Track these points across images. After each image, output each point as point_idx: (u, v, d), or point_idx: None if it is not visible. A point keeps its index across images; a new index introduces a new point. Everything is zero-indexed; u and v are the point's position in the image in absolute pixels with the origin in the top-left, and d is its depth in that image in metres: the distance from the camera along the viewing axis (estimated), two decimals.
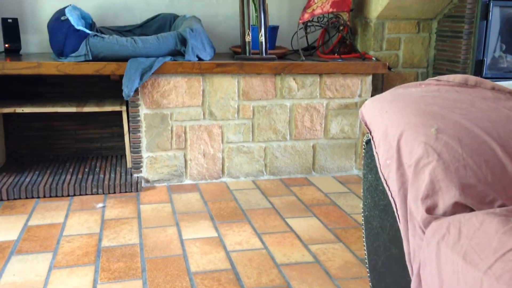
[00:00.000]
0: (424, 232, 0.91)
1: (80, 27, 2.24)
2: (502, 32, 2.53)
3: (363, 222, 1.22)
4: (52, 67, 2.21)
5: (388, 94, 1.14)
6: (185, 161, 2.44)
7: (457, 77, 1.12)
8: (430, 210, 0.91)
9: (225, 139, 2.46)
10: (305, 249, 1.79)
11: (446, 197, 0.89)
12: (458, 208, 0.89)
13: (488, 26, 2.48)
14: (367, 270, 1.23)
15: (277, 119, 2.50)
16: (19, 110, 2.30)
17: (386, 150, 1.03)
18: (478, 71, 2.53)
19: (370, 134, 1.12)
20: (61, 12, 2.31)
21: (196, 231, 1.92)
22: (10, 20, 2.45)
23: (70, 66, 2.21)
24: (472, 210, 0.89)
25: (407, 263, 0.97)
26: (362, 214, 1.22)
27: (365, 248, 1.22)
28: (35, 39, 2.62)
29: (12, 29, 2.46)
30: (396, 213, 1.00)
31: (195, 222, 2.01)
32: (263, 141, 2.51)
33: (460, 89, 1.09)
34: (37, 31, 2.61)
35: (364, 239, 1.22)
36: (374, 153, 1.08)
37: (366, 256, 1.23)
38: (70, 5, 2.40)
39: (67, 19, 2.24)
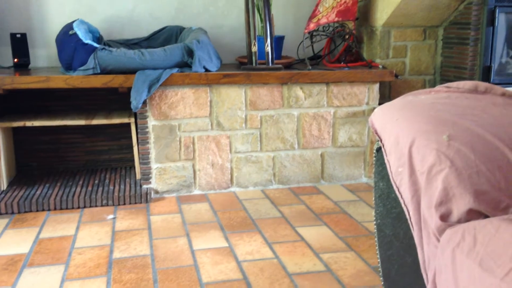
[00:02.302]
0: (438, 240, 0.91)
1: (88, 40, 2.27)
2: (508, 37, 2.53)
3: (375, 230, 1.22)
4: (61, 80, 2.23)
5: (398, 102, 1.14)
6: (194, 171, 2.44)
7: (467, 84, 1.12)
8: (444, 218, 0.90)
9: (233, 149, 2.47)
10: (317, 258, 1.79)
11: (460, 204, 0.89)
12: (472, 215, 0.89)
13: (494, 32, 2.48)
14: (381, 278, 1.22)
15: (285, 129, 2.50)
16: (29, 124, 2.32)
17: (397, 157, 1.03)
18: (485, 77, 2.53)
19: (381, 142, 1.12)
20: (69, 26, 2.33)
21: (206, 241, 1.92)
22: (18, 35, 2.48)
23: (78, 79, 2.23)
24: (486, 216, 0.89)
25: (422, 271, 0.96)
26: (374, 222, 1.22)
27: (378, 256, 1.22)
28: (44, 54, 2.65)
29: (21, 44, 2.49)
30: (409, 221, 0.99)
31: (205, 232, 2.01)
32: (271, 150, 2.51)
33: (470, 96, 1.09)
34: (46, 46, 2.64)
35: (377, 248, 1.22)
36: (385, 161, 1.09)
37: (379, 265, 1.22)
38: (78, 19, 2.43)
39: (75, 33, 2.26)
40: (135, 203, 2.32)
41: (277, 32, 2.84)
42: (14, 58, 2.49)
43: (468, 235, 0.84)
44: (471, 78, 2.53)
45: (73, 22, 2.36)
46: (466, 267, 0.81)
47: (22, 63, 2.51)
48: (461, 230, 0.86)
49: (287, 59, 2.65)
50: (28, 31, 2.60)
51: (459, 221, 0.89)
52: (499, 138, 0.95)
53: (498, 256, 0.77)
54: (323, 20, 2.60)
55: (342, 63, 2.68)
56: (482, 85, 1.11)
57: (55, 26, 2.61)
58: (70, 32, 2.28)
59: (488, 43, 2.50)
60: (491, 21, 2.47)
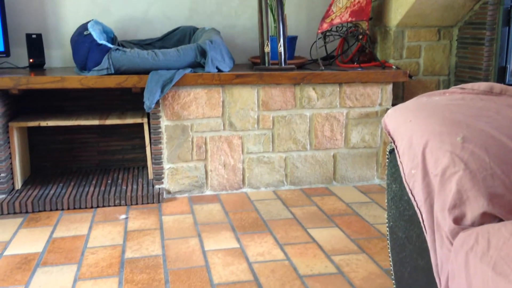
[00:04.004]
0: (451, 243, 0.89)
1: (102, 41, 2.28)
2: None
3: (388, 233, 1.21)
4: (75, 81, 2.25)
5: (412, 103, 1.13)
6: (206, 172, 2.45)
7: (482, 85, 1.11)
8: (457, 221, 0.89)
9: (245, 150, 2.47)
10: (328, 260, 1.78)
11: (474, 207, 0.88)
12: (486, 218, 0.88)
13: (510, 33, 2.45)
14: (393, 281, 1.21)
15: (297, 129, 2.50)
16: (43, 123, 2.34)
17: (411, 159, 1.02)
18: (501, 78, 2.50)
19: (394, 143, 1.11)
20: (84, 27, 2.35)
21: (218, 242, 1.92)
22: (34, 36, 2.51)
23: (92, 79, 2.25)
24: (500, 220, 0.88)
25: (435, 274, 0.95)
26: (387, 225, 1.21)
27: (390, 259, 1.21)
28: (59, 54, 2.67)
29: (36, 44, 2.52)
30: (422, 224, 0.98)
31: (216, 233, 2.01)
32: (283, 151, 2.51)
33: (485, 97, 1.08)
34: (61, 46, 2.66)
35: (389, 250, 1.21)
36: (399, 163, 1.07)
37: (391, 267, 1.21)
38: (92, 20, 2.45)
39: (90, 34, 2.28)
40: (147, 203, 2.33)
41: (290, 32, 2.84)
42: (29, 58, 2.52)
43: (482, 238, 0.83)
44: (486, 78, 2.50)
45: (87, 22, 2.38)
46: (479, 271, 0.80)
47: (37, 63, 2.54)
48: (475, 233, 0.85)
49: (300, 60, 2.64)
50: (44, 31, 2.63)
51: (473, 225, 0.88)
52: None
53: None
54: (337, 20, 2.59)
55: (355, 63, 2.66)
56: (497, 86, 1.09)
57: (70, 27, 2.64)
58: (85, 33, 2.30)
59: (504, 44, 2.46)
60: (507, 21, 2.44)
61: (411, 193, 1.02)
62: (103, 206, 2.28)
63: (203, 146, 2.42)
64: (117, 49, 2.26)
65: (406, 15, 2.52)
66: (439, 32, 2.67)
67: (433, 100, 1.11)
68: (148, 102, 2.23)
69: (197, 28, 2.69)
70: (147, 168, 2.68)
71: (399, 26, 2.62)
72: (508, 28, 2.45)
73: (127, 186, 2.42)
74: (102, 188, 2.40)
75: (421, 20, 2.59)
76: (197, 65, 2.36)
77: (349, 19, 2.59)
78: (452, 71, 2.73)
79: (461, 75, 2.68)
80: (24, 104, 2.58)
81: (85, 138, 2.69)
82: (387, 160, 1.18)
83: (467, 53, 2.62)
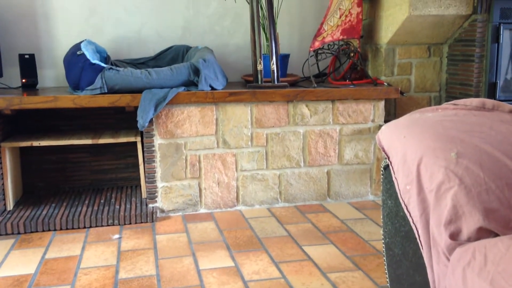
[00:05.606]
0: (448, 259, 0.89)
1: (95, 60, 2.29)
2: None
3: (384, 249, 1.21)
4: (69, 100, 2.25)
5: (405, 119, 1.14)
6: (200, 190, 2.44)
7: (474, 101, 1.12)
8: (453, 236, 0.89)
9: (239, 167, 2.46)
10: (324, 277, 1.77)
11: (470, 222, 0.88)
12: (482, 233, 0.88)
13: (499, 49, 2.49)
14: None
15: (291, 146, 2.50)
16: (35, 143, 2.33)
17: (405, 175, 1.03)
18: (491, 94, 2.52)
19: (388, 159, 1.12)
20: (77, 47, 2.36)
21: (212, 261, 1.91)
22: (27, 56, 2.51)
23: (86, 99, 2.25)
24: (496, 235, 0.88)
25: None
26: (383, 241, 1.21)
27: (387, 276, 1.20)
28: (52, 74, 2.67)
29: (29, 64, 2.51)
30: (418, 240, 0.98)
31: (211, 251, 1.99)
32: (277, 168, 2.51)
33: (478, 113, 1.09)
34: (53, 66, 2.67)
35: (385, 267, 1.20)
36: (393, 179, 1.08)
37: (388, 284, 1.21)
38: (86, 39, 2.45)
39: (83, 54, 2.29)
40: (141, 222, 2.31)
41: (283, 50, 2.86)
42: (22, 78, 2.51)
43: (478, 254, 0.83)
44: (476, 94, 2.53)
45: (80, 42, 2.39)
46: (477, 287, 0.80)
47: (30, 84, 2.53)
48: (472, 249, 0.85)
49: (292, 77, 2.66)
50: (36, 51, 2.63)
51: (469, 240, 0.88)
52: (507, 155, 0.94)
53: (509, 275, 0.76)
54: (328, 38, 2.62)
55: (347, 80, 2.69)
56: (489, 102, 1.11)
57: (63, 47, 2.64)
58: (78, 53, 2.31)
59: (493, 60, 2.50)
60: (496, 38, 2.48)
61: (407, 209, 1.02)
62: (96, 226, 2.26)
63: (197, 164, 2.41)
64: (110, 68, 2.26)
65: (397, 33, 2.56)
66: (429, 49, 2.71)
67: (426, 116, 1.12)
68: (142, 121, 2.23)
69: (190, 47, 2.71)
70: (140, 187, 2.67)
71: (389, 44, 2.65)
72: (497, 45, 2.49)
73: (120, 206, 2.40)
74: (95, 207, 2.38)
75: (411, 37, 2.62)
76: (191, 83, 2.37)
77: (341, 37, 2.62)
78: (443, 88, 2.76)
79: (452, 91, 2.71)
80: (17, 124, 2.57)
81: (78, 158, 2.68)
82: (382, 176, 1.18)
83: (457, 70, 2.65)
